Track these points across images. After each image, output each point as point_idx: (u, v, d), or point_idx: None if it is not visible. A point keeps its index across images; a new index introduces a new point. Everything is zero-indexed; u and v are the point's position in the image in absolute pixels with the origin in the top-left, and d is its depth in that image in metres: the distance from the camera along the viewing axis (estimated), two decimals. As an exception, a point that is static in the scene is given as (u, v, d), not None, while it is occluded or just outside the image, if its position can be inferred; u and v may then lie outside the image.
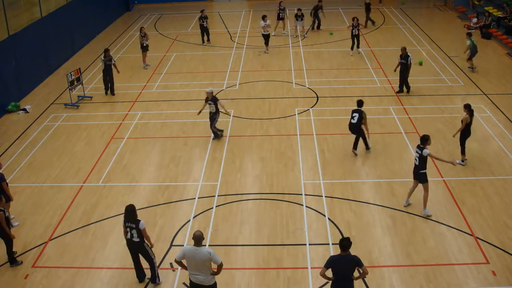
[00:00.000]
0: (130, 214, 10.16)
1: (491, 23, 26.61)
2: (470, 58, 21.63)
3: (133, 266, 10.74)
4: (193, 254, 8.98)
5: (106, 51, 20.19)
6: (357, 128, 15.06)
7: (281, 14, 27.22)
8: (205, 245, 10.79)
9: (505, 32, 25.57)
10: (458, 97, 19.12)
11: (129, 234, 10.24)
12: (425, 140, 12.20)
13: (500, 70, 21.97)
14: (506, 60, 23.20)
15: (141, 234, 10.20)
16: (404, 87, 19.53)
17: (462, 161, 14.71)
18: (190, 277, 9.24)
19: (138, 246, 10.33)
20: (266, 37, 24.65)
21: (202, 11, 26.34)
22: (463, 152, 14.69)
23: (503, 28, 26.02)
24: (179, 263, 9.29)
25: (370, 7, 28.41)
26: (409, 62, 19.00)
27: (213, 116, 16.19)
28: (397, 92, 19.59)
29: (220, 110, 16.30)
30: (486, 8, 28.77)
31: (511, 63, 22.86)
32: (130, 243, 10.36)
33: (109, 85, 20.43)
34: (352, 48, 24.19)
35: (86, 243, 12.10)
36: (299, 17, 26.84)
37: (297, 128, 17.18)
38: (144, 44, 23.05)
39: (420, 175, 12.32)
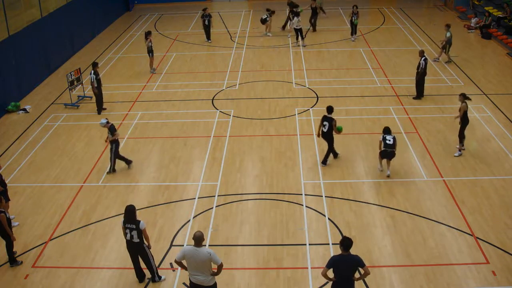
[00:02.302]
0: (130, 214, 10.16)
1: (491, 23, 26.61)
2: (448, 51, 22.20)
3: (133, 266, 10.75)
4: (193, 255, 8.98)
5: (95, 65, 18.66)
6: (329, 136, 14.82)
7: (267, 17, 27.27)
8: (205, 245, 10.80)
9: (505, 32, 25.56)
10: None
11: (129, 235, 10.23)
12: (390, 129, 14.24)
13: (500, 70, 21.98)
14: (506, 60, 23.20)
15: (141, 234, 10.21)
16: (417, 91, 19.14)
17: (460, 150, 15.13)
18: (190, 278, 9.24)
19: (138, 247, 10.33)
20: (301, 31, 25.35)
21: (204, 10, 26.56)
22: (461, 141, 15.10)
23: (503, 28, 26.01)
24: (179, 263, 9.29)
25: (317, 12, 27.94)
26: (420, 67, 18.60)
27: (112, 147, 14.64)
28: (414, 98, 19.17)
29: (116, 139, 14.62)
30: (486, 8, 28.76)
31: (511, 63, 22.86)
32: (130, 244, 10.36)
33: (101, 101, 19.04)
34: (351, 34, 26.30)
35: (86, 243, 12.10)
36: (294, 13, 25.60)
37: (297, 128, 17.17)
38: (152, 48, 22.15)
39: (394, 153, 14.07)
